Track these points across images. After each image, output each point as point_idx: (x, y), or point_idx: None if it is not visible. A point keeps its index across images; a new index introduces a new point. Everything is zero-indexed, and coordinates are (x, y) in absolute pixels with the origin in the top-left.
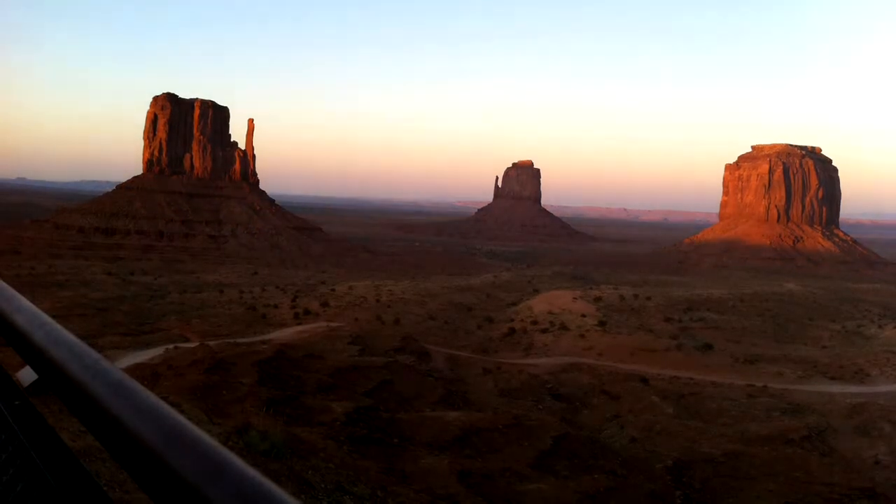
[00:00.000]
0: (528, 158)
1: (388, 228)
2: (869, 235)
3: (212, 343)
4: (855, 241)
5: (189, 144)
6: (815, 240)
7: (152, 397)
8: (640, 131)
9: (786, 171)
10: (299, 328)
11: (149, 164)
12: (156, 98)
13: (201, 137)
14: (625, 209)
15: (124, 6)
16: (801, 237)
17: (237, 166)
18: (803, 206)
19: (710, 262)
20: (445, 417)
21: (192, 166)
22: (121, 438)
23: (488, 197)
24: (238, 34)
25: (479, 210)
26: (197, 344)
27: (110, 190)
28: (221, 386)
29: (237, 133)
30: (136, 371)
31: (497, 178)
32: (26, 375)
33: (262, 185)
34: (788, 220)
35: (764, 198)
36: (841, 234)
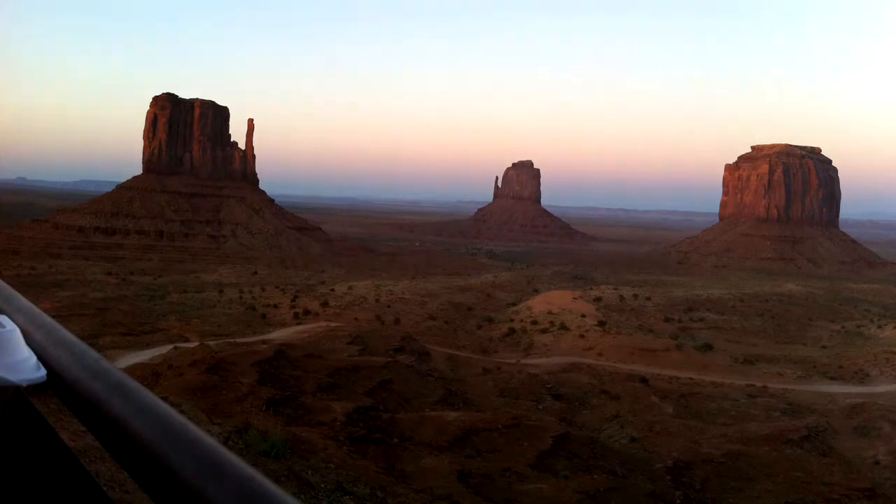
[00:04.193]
0: (528, 158)
1: (388, 228)
2: (869, 235)
3: (212, 343)
4: (855, 241)
5: (189, 144)
6: (815, 240)
7: (152, 397)
8: (640, 131)
9: (786, 172)
10: (299, 328)
11: (149, 164)
12: (156, 98)
13: (201, 137)
14: (625, 209)
15: (125, 6)
16: (801, 237)
17: (237, 166)
18: (803, 207)
19: (710, 263)
20: (445, 417)
21: (192, 166)
22: (121, 438)
23: (488, 197)
24: (238, 34)
25: (479, 210)
26: (197, 344)
27: (110, 190)
28: (221, 386)
29: (237, 133)
30: (136, 371)
31: (497, 178)
32: None
33: (262, 185)
34: (788, 220)
35: (764, 198)
36: (841, 234)
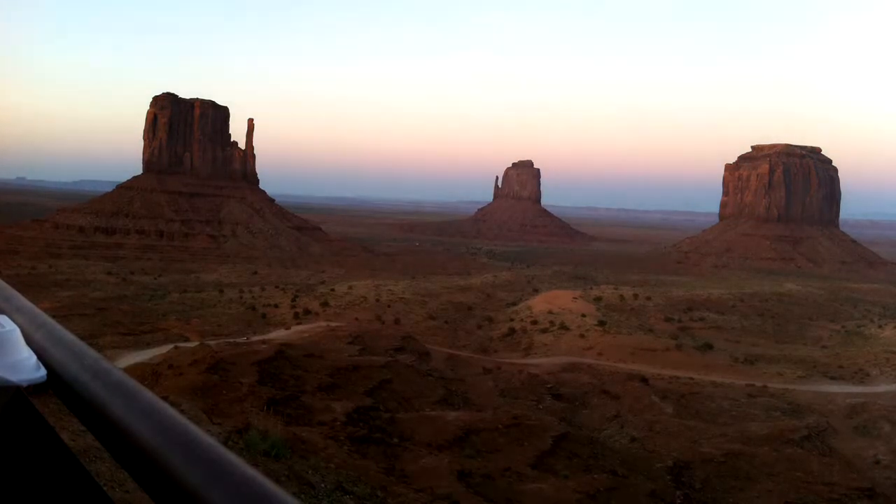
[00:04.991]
0: (528, 158)
1: (388, 228)
2: (869, 235)
3: (212, 343)
4: (855, 241)
5: (189, 144)
6: (815, 240)
7: (152, 397)
8: (641, 131)
9: (786, 171)
10: (299, 328)
11: (149, 163)
12: (156, 98)
13: (201, 137)
14: (625, 209)
15: (125, 5)
16: (801, 237)
17: (237, 166)
18: (803, 206)
19: (710, 262)
20: (445, 417)
21: (192, 166)
22: (121, 438)
23: (488, 197)
24: (237, 34)
25: (479, 210)
26: (197, 344)
27: (110, 190)
28: (221, 386)
29: (237, 133)
30: (136, 371)
31: (497, 178)
32: None
33: (262, 185)
34: (788, 220)
35: (764, 198)
36: (841, 234)
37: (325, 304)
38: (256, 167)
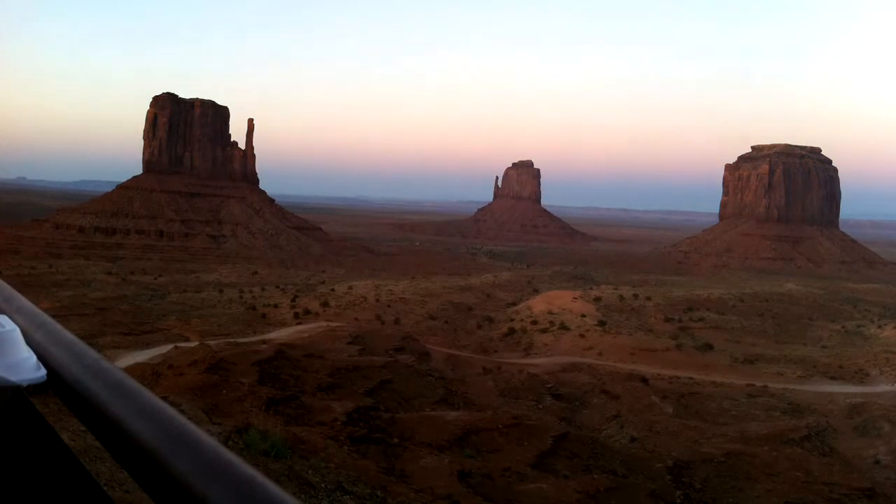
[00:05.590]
0: (528, 158)
1: (388, 228)
2: (869, 235)
3: (212, 343)
4: (855, 241)
5: (189, 144)
6: (815, 240)
7: (152, 397)
8: (641, 131)
9: (786, 171)
10: (299, 328)
11: (149, 163)
12: (156, 98)
13: (201, 137)
14: (625, 209)
15: (125, 5)
16: (801, 237)
17: (237, 166)
18: (803, 206)
19: (710, 262)
20: (445, 417)
21: (192, 166)
22: (121, 438)
23: (488, 197)
24: (237, 34)
25: (479, 210)
26: (197, 343)
27: (110, 190)
28: (221, 386)
29: (237, 133)
30: (136, 370)
31: (497, 177)
32: None
33: (262, 185)
34: (788, 220)
35: (764, 198)
36: (841, 234)
37: (325, 304)
38: (256, 167)
